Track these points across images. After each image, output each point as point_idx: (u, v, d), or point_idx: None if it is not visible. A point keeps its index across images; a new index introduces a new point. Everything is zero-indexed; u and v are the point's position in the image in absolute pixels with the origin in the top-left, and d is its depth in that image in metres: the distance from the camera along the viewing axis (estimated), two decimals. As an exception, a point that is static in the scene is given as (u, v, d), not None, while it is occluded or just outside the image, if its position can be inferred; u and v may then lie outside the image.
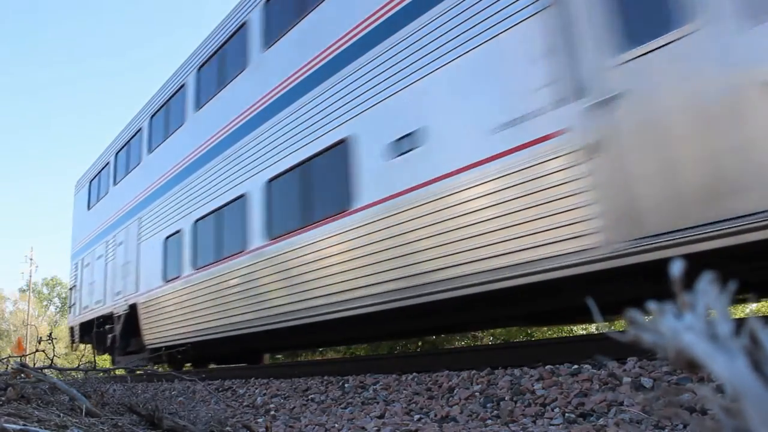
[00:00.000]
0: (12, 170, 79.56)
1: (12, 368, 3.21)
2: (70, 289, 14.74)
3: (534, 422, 2.99)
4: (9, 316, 46.40)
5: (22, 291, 47.30)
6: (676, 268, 0.49)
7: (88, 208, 14.10)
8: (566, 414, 2.97)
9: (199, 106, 9.28)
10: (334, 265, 5.89)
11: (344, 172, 5.83)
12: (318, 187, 6.40)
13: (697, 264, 0.79)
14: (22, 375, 3.13)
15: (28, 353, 4.06)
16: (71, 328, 14.30)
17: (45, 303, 49.41)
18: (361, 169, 5.66)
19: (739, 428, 0.42)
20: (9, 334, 43.17)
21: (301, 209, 6.54)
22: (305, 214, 6.42)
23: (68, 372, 4.06)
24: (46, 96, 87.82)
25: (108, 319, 11.70)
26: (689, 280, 0.50)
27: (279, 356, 14.13)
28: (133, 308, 10.42)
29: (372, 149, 5.55)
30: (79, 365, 4.09)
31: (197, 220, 8.69)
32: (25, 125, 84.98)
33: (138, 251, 10.59)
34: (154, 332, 9.73)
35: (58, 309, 49.57)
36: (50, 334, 3.85)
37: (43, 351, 3.81)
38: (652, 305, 0.51)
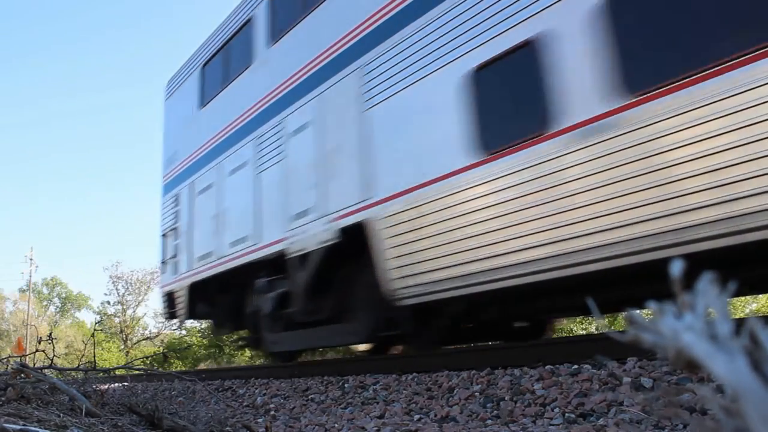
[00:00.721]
0: (12, 170, 79.62)
1: (12, 368, 3.21)
2: (163, 235, 9.75)
3: (534, 422, 2.99)
4: (9, 316, 46.42)
5: (22, 291, 47.34)
6: (676, 268, 0.49)
7: (201, 105, 9.14)
8: (566, 414, 2.98)
9: None
10: None
11: None
12: None
13: (697, 264, 0.79)
14: (22, 375, 3.13)
15: (28, 353, 4.06)
16: (168, 295, 9.32)
17: (45, 303, 49.43)
18: None
19: (739, 428, 0.42)
20: (9, 334, 43.18)
21: None
22: None
23: (68, 372, 4.06)
24: (46, 94, 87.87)
25: (262, 267, 7.02)
26: (689, 280, 0.50)
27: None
28: (354, 233, 5.67)
29: None
30: (79, 365, 4.09)
31: None
32: (24, 124, 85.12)
33: (361, 125, 5.74)
34: (428, 269, 4.92)
35: (58, 309, 49.61)
36: (50, 334, 3.84)
37: (43, 351, 3.81)
38: (652, 305, 0.51)
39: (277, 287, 6.77)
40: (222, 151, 8.23)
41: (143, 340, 36.65)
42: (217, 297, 8.28)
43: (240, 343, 8.93)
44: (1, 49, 79.61)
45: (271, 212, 6.88)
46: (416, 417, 3.55)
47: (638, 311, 0.53)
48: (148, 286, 38.27)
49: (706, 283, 0.50)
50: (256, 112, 7.52)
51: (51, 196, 79.86)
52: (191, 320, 9.30)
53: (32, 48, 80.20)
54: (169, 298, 9.26)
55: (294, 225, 6.44)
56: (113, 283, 38.60)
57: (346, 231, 5.76)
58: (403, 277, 5.13)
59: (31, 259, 44.06)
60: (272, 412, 4.53)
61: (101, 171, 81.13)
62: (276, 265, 6.74)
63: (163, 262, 9.67)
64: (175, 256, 9.22)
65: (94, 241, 75.29)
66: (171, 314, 9.27)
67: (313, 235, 6.09)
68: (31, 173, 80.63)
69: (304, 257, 6.24)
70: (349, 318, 6.15)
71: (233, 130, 8.02)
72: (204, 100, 9.10)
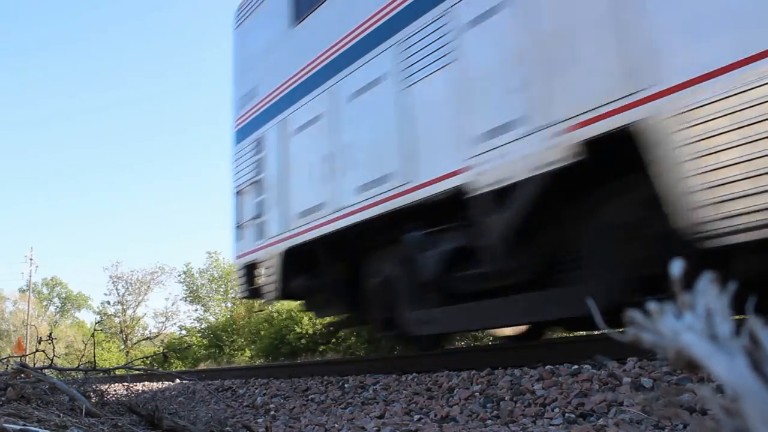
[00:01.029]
0: (12, 169, 79.69)
1: (12, 368, 3.22)
2: (238, 192, 7.73)
3: (534, 422, 2.99)
4: (9, 316, 46.45)
5: (22, 291, 47.37)
6: (676, 268, 0.49)
7: (296, 21, 7.05)
8: (566, 414, 2.98)
9: None
10: None
11: None
12: None
13: (696, 264, 0.78)
14: (22, 375, 3.13)
15: (28, 353, 4.06)
16: (248, 267, 7.25)
17: (45, 303, 49.47)
18: None
19: (739, 428, 0.42)
20: (9, 334, 43.20)
21: None
22: None
23: (68, 372, 4.07)
24: (46, 94, 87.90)
25: (413, 217, 5.20)
26: (689, 279, 0.50)
27: None
28: (606, 146, 3.78)
29: None
30: (79, 365, 4.09)
31: None
32: (23, 123, 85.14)
33: None
34: None
35: (58, 309, 49.65)
36: (50, 334, 3.85)
37: (43, 351, 3.81)
38: (652, 305, 0.51)
39: (445, 241, 4.95)
40: (336, 70, 6.23)
41: (143, 340, 36.70)
42: (323, 266, 6.38)
43: (349, 325, 7.01)
44: (1, 48, 79.66)
45: (436, 137, 5.04)
46: (416, 417, 3.55)
47: (638, 311, 0.53)
48: (148, 286, 38.36)
49: (706, 283, 0.50)
50: (398, 9, 5.55)
51: (51, 195, 79.89)
52: (282, 300, 6.95)
53: (33, 47, 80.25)
54: (249, 272, 7.20)
55: (483, 148, 4.54)
56: (113, 283, 38.67)
57: (592, 144, 3.84)
58: (731, 199, 3.18)
59: (31, 259, 44.07)
60: (272, 412, 4.53)
61: (101, 170, 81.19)
62: (440, 210, 4.97)
63: (239, 227, 7.54)
64: (258, 216, 7.11)
65: (94, 240, 75.37)
66: (253, 292, 7.16)
67: (526, 156, 4.21)
68: (31, 173, 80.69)
69: (504, 192, 4.36)
70: (566, 279, 4.35)
71: (354, 41, 6.04)
72: (300, 13, 7.03)
